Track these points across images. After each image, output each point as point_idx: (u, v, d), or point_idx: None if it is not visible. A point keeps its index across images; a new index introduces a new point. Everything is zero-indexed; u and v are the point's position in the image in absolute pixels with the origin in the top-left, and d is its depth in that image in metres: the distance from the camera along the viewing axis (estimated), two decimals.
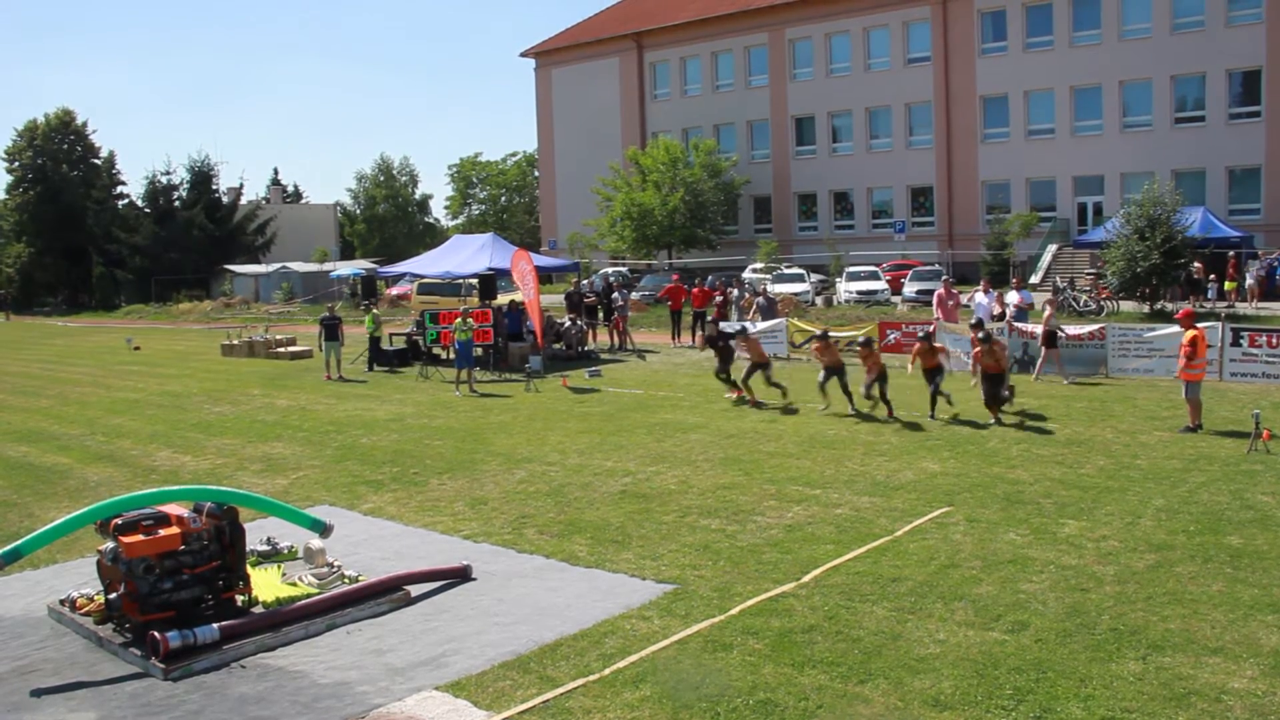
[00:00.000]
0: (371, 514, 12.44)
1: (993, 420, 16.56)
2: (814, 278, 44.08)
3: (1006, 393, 16.91)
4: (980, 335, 17.31)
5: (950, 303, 25.04)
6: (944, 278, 30.91)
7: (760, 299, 29.04)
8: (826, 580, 9.31)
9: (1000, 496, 11.99)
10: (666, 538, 10.85)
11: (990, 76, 51.18)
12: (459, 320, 23.31)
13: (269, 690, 7.54)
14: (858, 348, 18.60)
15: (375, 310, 29.06)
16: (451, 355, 27.81)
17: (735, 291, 33.01)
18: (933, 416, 17.06)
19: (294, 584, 9.47)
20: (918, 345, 17.64)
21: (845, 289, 41.68)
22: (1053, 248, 45.93)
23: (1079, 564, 9.49)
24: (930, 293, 30.16)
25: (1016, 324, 22.96)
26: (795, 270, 45.36)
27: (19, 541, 8.59)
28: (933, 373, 17.25)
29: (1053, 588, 8.89)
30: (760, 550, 10.27)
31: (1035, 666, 7.33)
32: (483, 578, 9.77)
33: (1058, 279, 40.12)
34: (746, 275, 44.00)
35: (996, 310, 24.30)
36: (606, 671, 7.52)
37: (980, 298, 24.48)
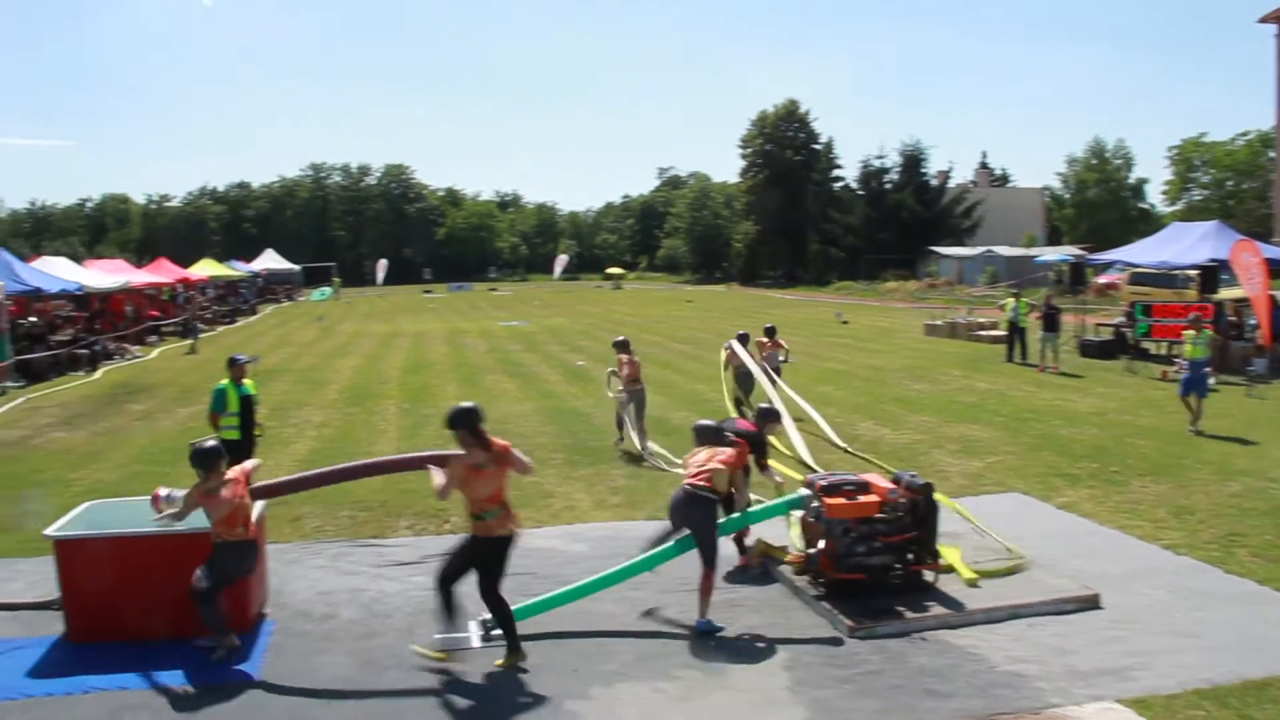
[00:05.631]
0: (1065, 508, 12.05)
1: None
2: None
3: None
4: None
5: None
6: None
7: None
8: None
9: None
10: None
11: None
12: (1191, 333, 17.07)
13: (947, 667, 7.65)
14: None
15: (1024, 298, 27.82)
16: (1162, 351, 26.00)
17: None
18: None
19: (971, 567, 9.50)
20: None
21: None
22: None
23: None
24: None
25: None
26: None
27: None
28: None
29: None
30: None
31: None
32: (1180, 594, 9.02)
33: None
34: None
35: None
36: None
37: None
